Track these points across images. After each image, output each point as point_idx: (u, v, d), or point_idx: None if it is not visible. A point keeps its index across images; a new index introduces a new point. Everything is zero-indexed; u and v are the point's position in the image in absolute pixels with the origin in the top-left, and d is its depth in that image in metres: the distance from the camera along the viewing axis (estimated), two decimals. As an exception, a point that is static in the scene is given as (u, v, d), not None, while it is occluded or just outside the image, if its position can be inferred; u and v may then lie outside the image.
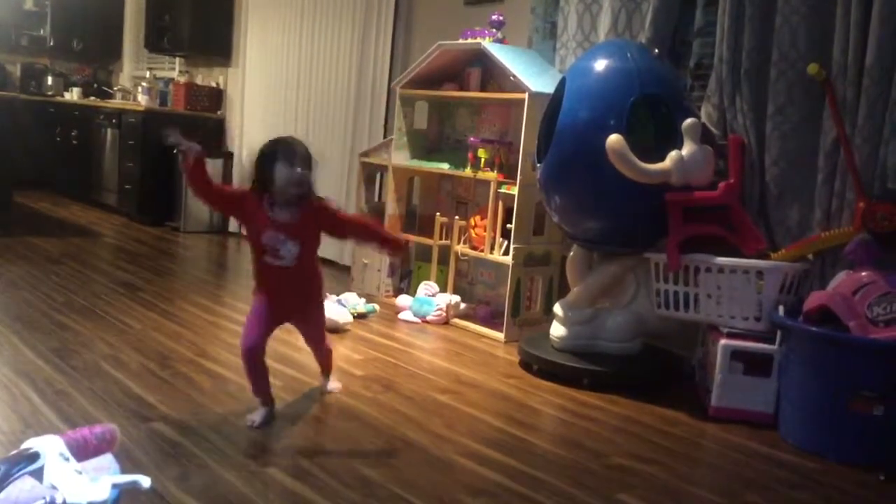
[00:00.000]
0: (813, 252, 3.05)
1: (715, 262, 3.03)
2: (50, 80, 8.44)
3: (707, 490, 2.38)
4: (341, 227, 2.72)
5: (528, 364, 3.44)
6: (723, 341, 2.95)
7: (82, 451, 1.39)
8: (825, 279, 3.00)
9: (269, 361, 3.24)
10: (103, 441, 1.43)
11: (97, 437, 1.43)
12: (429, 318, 4.15)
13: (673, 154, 3.08)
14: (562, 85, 3.32)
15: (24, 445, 1.39)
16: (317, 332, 2.87)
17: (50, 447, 1.36)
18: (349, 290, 4.32)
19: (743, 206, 3.17)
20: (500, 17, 4.13)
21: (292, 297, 2.68)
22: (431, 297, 4.20)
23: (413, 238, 4.51)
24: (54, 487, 1.35)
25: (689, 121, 3.13)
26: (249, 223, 2.62)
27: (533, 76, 3.83)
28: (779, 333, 2.89)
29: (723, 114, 3.33)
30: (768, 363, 2.91)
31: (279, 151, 2.52)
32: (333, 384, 2.97)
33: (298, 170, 2.51)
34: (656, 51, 3.45)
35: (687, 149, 3.11)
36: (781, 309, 2.90)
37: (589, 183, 3.18)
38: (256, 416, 2.59)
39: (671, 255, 3.10)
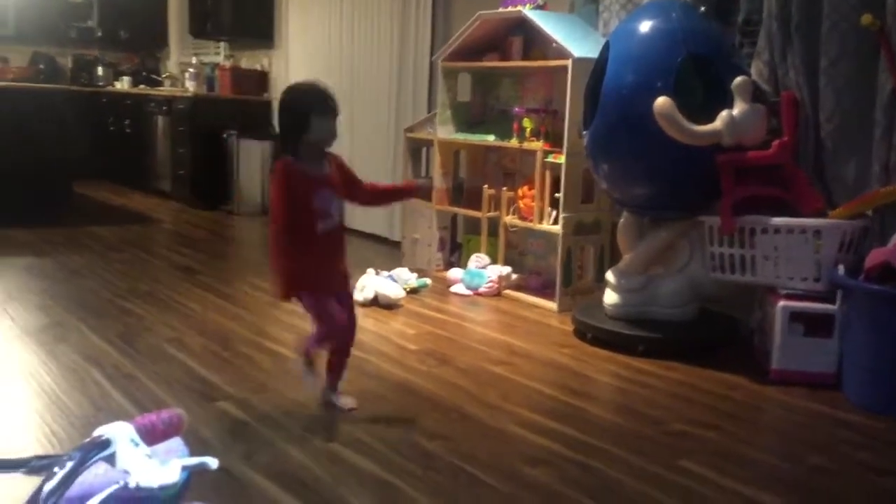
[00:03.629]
0: (872, 208, 2.97)
1: (771, 223, 2.98)
2: (100, 70, 8.61)
3: (770, 454, 2.36)
4: (361, 189, 2.58)
5: (581, 333, 3.44)
6: (781, 303, 2.91)
7: (151, 436, 1.44)
8: (885, 236, 2.91)
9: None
10: (170, 426, 1.48)
11: (164, 422, 1.47)
12: (481, 290, 4.16)
13: (723, 114, 3.02)
14: (606, 49, 3.27)
15: (95, 433, 1.45)
16: (351, 310, 2.59)
17: (120, 433, 1.41)
18: (400, 266, 4.35)
19: (798, 163, 3.10)
20: (541, -16, 4.08)
21: (340, 264, 2.53)
22: (482, 270, 4.21)
23: (461, 211, 4.52)
24: (126, 472, 1.41)
25: (738, 79, 3.06)
26: (298, 191, 2.37)
27: (576, 41, 3.78)
28: (839, 293, 2.83)
29: (774, 70, 3.24)
30: (829, 323, 2.86)
31: (315, 102, 2.40)
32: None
33: (334, 121, 2.41)
34: (702, 9, 3.37)
35: (738, 108, 3.04)
36: (841, 268, 2.84)
37: (637, 148, 3.14)
38: (350, 400, 2.58)
39: (725, 218, 3.05)
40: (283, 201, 2.36)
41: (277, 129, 2.47)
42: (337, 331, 2.50)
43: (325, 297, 2.47)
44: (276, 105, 6.83)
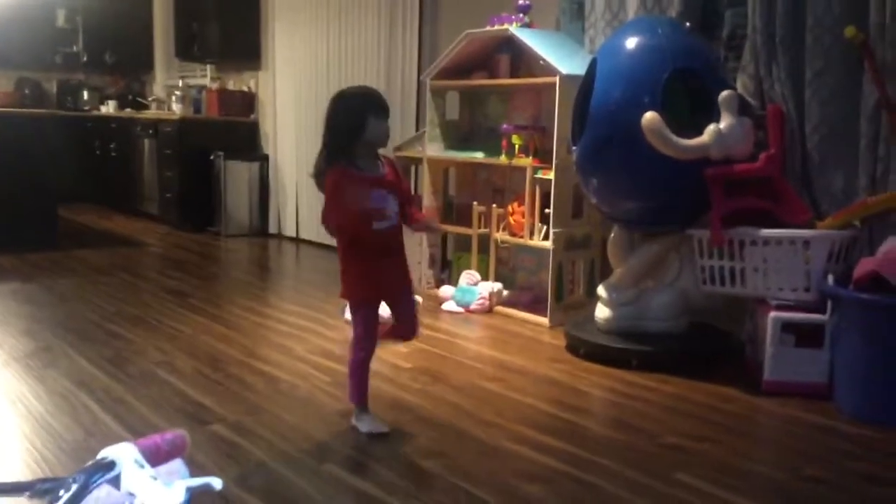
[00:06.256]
0: (860, 218, 2.99)
1: (760, 235, 2.99)
2: (86, 94, 8.60)
3: (765, 465, 2.35)
4: (404, 194, 2.56)
5: (574, 348, 3.44)
6: (772, 314, 2.92)
7: (155, 457, 1.42)
8: (874, 245, 2.94)
9: (313, 357, 3.30)
10: (174, 446, 1.45)
11: (168, 442, 1.45)
12: (472, 307, 4.15)
13: (710, 128, 3.04)
14: (593, 66, 3.30)
15: (100, 455, 1.42)
16: (412, 305, 2.66)
17: (125, 455, 1.38)
18: (391, 284, 4.33)
19: (785, 175, 3.12)
20: (527, 2, 4.11)
21: (398, 264, 2.56)
22: (474, 287, 4.20)
23: (451, 229, 4.52)
24: (131, 494, 1.38)
25: (725, 93, 3.08)
26: (353, 192, 2.38)
27: (563, 59, 3.80)
28: (829, 303, 2.85)
29: (759, 83, 3.28)
30: (820, 334, 2.87)
31: (370, 103, 2.41)
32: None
33: (386, 122, 2.43)
34: (687, 24, 3.40)
35: (725, 121, 3.06)
36: (831, 278, 2.85)
37: (626, 163, 3.16)
38: (377, 425, 2.54)
39: (714, 231, 3.07)
40: (338, 205, 2.39)
41: (328, 134, 2.44)
42: (369, 345, 2.53)
43: (372, 309, 2.53)
44: (262, 125, 6.89)
